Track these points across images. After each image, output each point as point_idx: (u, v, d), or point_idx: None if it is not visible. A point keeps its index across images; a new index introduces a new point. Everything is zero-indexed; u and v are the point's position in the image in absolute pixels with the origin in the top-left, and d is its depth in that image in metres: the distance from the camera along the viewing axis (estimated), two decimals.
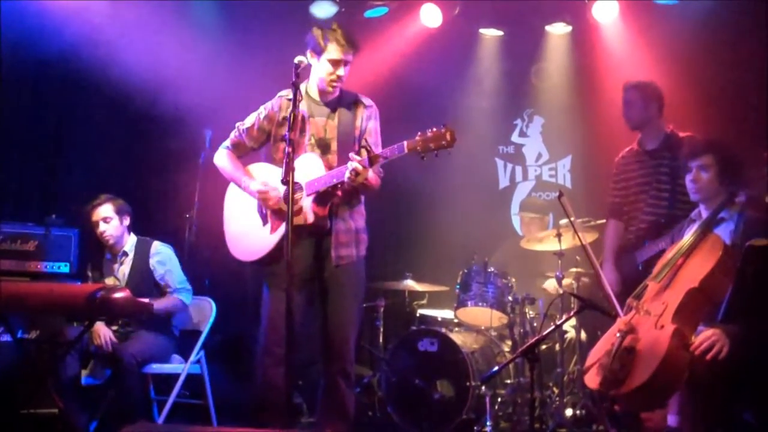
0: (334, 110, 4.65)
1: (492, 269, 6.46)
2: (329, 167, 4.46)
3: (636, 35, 7.28)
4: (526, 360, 4.26)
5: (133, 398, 5.34)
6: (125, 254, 5.74)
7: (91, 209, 5.69)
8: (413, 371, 6.16)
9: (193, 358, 5.65)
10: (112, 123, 7.20)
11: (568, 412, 5.93)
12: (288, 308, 3.87)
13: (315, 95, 4.68)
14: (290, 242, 3.85)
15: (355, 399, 4.80)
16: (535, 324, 6.35)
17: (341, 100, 4.68)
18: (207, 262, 6.87)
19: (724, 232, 4.24)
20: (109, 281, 5.66)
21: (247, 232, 4.68)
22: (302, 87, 4.63)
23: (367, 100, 4.73)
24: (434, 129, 4.11)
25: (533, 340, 4.30)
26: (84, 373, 5.56)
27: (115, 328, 5.53)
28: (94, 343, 5.39)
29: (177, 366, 5.68)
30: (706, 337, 3.78)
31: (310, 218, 4.41)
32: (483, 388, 5.95)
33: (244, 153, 4.87)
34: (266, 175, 4.66)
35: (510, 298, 6.38)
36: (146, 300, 5.26)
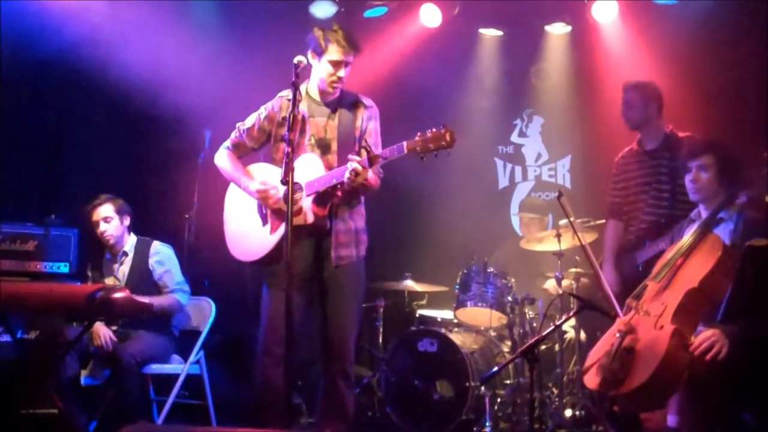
0: (334, 111, 4.65)
1: (491, 269, 6.46)
2: (329, 167, 4.46)
3: (635, 35, 7.28)
4: (525, 360, 4.26)
5: (132, 398, 5.34)
6: (125, 254, 5.74)
7: (91, 209, 5.69)
8: (413, 371, 6.16)
9: (192, 358, 5.65)
10: (111, 123, 7.20)
11: (568, 412, 5.94)
12: (287, 308, 3.86)
13: (315, 95, 4.68)
14: (290, 242, 3.85)
15: (355, 399, 4.79)
16: (534, 324, 6.35)
17: (342, 101, 4.67)
18: (206, 263, 6.87)
19: (723, 232, 4.24)
20: (109, 281, 5.66)
21: (247, 233, 4.69)
22: (303, 87, 4.64)
23: (367, 101, 4.73)
24: (434, 129, 4.11)
25: (533, 340, 4.30)
26: (84, 373, 5.56)
27: (114, 328, 5.54)
28: (94, 344, 5.39)
29: (176, 366, 5.68)
30: (705, 337, 3.78)
31: (310, 218, 4.41)
32: (482, 388, 5.95)
33: (244, 153, 4.87)
34: (266, 176, 4.66)
35: (509, 298, 6.38)
36: (146, 300, 5.27)
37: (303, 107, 4.60)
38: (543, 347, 6.16)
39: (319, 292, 4.61)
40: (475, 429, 5.93)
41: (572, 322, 6.19)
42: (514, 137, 8.33)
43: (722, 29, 6.84)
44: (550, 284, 6.53)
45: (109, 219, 5.68)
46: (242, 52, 7.08)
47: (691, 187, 4.43)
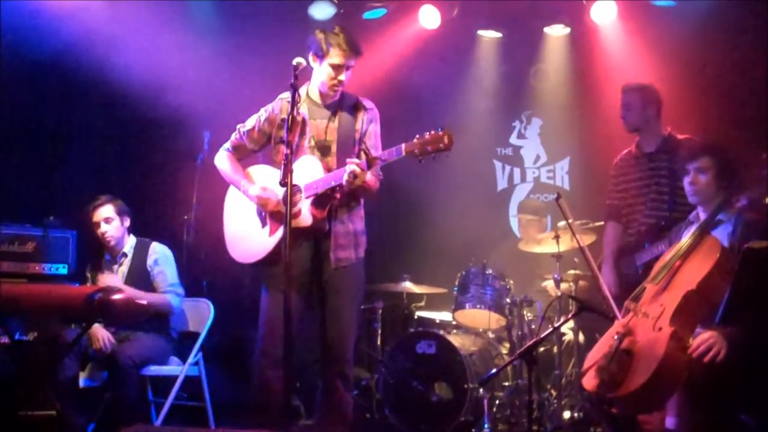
0: (334, 113, 4.64)
1: (490, 271, 6.46)
2: (328, 170, 4.46)
3: (634, 37, 7.28)
4: (524, 362, 4.27)
5: (130, 400, 5.33)
6: (124, 255, 5.74)
7: (92, 210, 5.69)
8: (411, 373, 6.16)
9: (191, 359, 5.64)
10: (110, 124, 7.20)
11: (566, 414, 5.94)
12: (286, 310, 3.86)
13: (316, 98, 4.68)
14: (288, 244, 3.85)
15: (353, 401, 4.80)
16: (533, 326, 6.35)
17: (342, 103, 4.67)
18: (205, 264, 6.87)
19: (722, 234, 4.24)
20: (103, 277, 5.61)
21: (246, 234, 4.69)
22: (303, 89, 4.65)
23: (368, 103, 4.73)
24: (432, 132, 4.11)
25: (531, 342, 4.31)
26: (82, 375, 5.56)
27: (113, 329, 5.53)
28: (92, 346, 5.38)
29: (175, 368, 5.67)
30: (703, 339, 3.78)
31: (309, 221, 4.41)
32: (481, 390, 5.95)
33: (244, 155, 4.87)
34: (266, 178, 4.66)
35: (508, 300, 6.38)
36: (144, 302, 5.26)
37: (303, 109, 4.60)
38: (541, 349, 6.16)
39: (318, 293, 4.61)
40: (473, 431, 5.94)
41: (571, 324, 6.19)
42: (513, 139, 8.34)
43: (721, 31, 6.84)
44: (549, 285, 6.52)
45: (109, 220, 5.68)
46: (241, 53, 7.08)
47: (690, 190, 4.44)
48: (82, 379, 5.55)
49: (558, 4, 7.55)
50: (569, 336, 6.30)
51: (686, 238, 4.24)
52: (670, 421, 3.89)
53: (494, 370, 5.04)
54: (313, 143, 4.60)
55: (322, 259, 4.56)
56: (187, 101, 6.65)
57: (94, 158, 7.08)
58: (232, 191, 4.85)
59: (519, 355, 4.32)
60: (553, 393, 6.09)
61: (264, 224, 4.61)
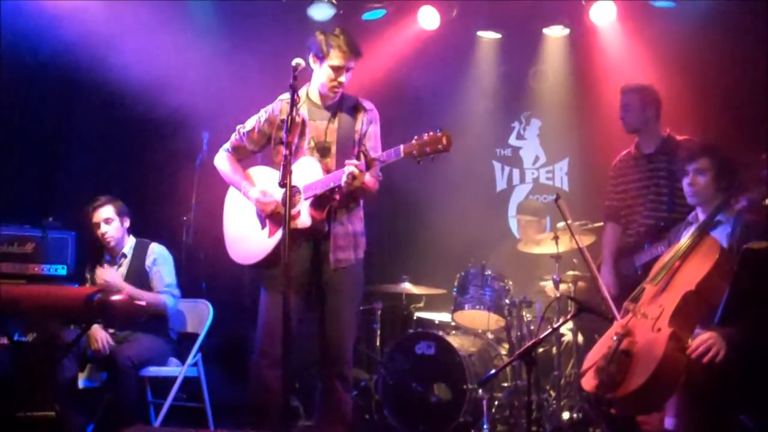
0: (334, 114, 4.64)
1: (489, 272, 6.46)
2: (327, 171, 4.46)
3: (633, 38, 7.29)
4: (523, 363, 4.27)
5: (129, 401, 5.33)
6: (124, 256, 5.74)
7: (92, 210, 5.69)
8: (410, 374, 6.16)
9: (190, 360, 5.64)
10: (109, 125, 7.20)
11: (565, 415, 5.94)
12: (285, 311, 3.86)
13: (316, 99, 4.68)
14: (287, 246, 3.85)
15: (352, 402, 4.80)
16: (532, 327, 6.35)
17: (342, 104, 4.67)
18: (204, 265, 6.87)
19: (720, 235, 4.24)
20: (101, 273, 5.60)
21: (246, 236, 4.69)
22: (303, 90, 4.66)
23: (367, 104, 4.73)
24: (430, 133, 4.11)
25: (530, 343, 4.30)
26: (81, 376, 5.56)
27: (112, 330, 5.53)
28: (91, 348, 5.38)
29: (174, 369, 5.67)
30: (702, 340, 3.78)
31: (308, 222, 4.41)
32: (480, 391, 5.95)
33: (244, 156, 4.87)
34: (265, 179, 4.66)
35: (507, 301, 6.38)
36: (143, 303, 5.26)
37: (303, 110, 4.61)
38: (540, 350, 6.17)
39: (317, 295, 4.61)
40: (472, 431, 5.94)
41: (570, 324, 6.19)
42: (512, 140, 8.34)
43: (720, 31, 6.84)
44: (548, 286, 6.53)
45: (110, 220, 5.68)
46: (240, 54, 7.09)
47: (689, 191, 4.44)
48: (81, 380, 5.55)
49: (557, 5, 7.56)
50: (568, 337, 6.30)
51: (685, 239, 4.25)
52: (669, 422, 3.89)
53: (493, 371, 5.03)
54: (312, 144, 4.60)
55: (322, 260, 4.56)
56: (187, 102, 6.66)
57: (93, 159, 7.08)
58: (231, 192, 4.85)
59: (518, 355, 4.32)
60: (552, 394, 6.10)
61: (263, 225, 4.62)
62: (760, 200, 4.29)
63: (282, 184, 3.95)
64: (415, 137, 4.13)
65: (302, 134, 4.59)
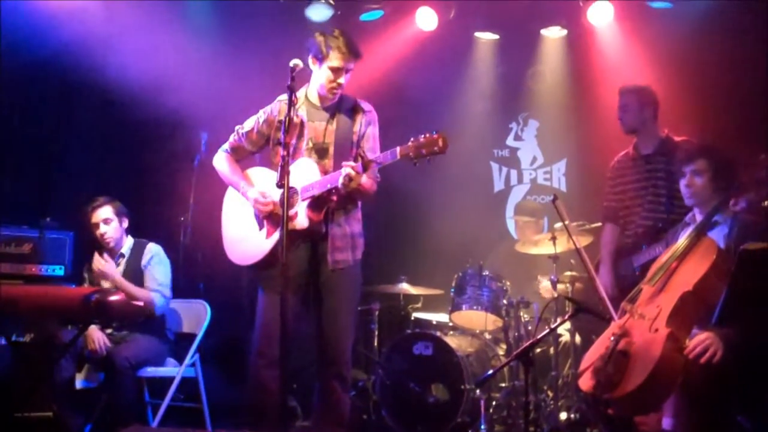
0: (333, 115, 4.65)
1: (487, 273, 6.46)
2: (325, 172, 4.46)
3: (631, 38, 7.29)
4: (520, 363, 4.28)
5: (126, 402, 5.34)
6: (122, 256, 5.75)
7: (90, 211, 5.70)
8: (408, 375, 6.16)
9: (187, 361, 5.64)
10: (107, 125, 7.20)
11: (563, 415, 5.94)
12: (282, 312, 3.86)
13: (315, 100, 4.68)
14: (285, 247, 3.85)
15: (350, 402, 4.79)
16: (529, 327, 6.35)
17: (340, 106, 4.67)
18: (202, 265, 6.87)
19: (718, 235, 4.25)
20: (105, 284, 5.64)
21: (244, 237, 4.69)
22: (302, 91, 4.66)
23: (366, 106, 4.73)
24: (427, 135, 4.10)
25: (528, 343, 4.31)
26: (79, 376, 5.56)
27: (109, 331, 5.53)
28: (88, 348, 5.38)
29: (171, 369, 5.67)
30: (700, 340, 3.78)
31: (305, 223, 4.40)
32: (477, 391, 5.95)
33: (243, 156, 4.87)
34: (263, 180, 4.66)
35: (505, 301, 6.38)
36: (141, 303, 5.27)
37: (301, 111, 4.61)
38: (538, 350, 6.17)
39: (315, 295, 4.61)
40: None
41: (567, 325, 6.20)
42: (510, 140, 8.34)
43: (718, 32, 6.84)
44: (546, 287, 6.53)
45: (108, 221, 5.68)
46: (239, 55, 7.07)
47: (686, 192, 4.45)
48: (78, 381, 5.56)
49: (555, 6, 7.56)
50: (566, 337, 6.30)
51: (682, 240, 4.25)
52: (666, 422, 3.90)
53: (491, 372, 5.02)
54: (310, 145, 4.60)
55: (320, 261, 4.57)
56: (185, 102, 6.64)
57: (91, 159, 7.08)
58: (230, 193, 4.85)
59: (516, 356, 4.32)
60: (550, 394, 6.10)
61: (261, 226, 4.62)
62: (760, 201, 4.30)
63: (280, 185, 3.95)
64: (412, 139, 4.13)
65: (300, 135, 4.59)
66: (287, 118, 4.10)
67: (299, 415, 6.41)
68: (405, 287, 6.79)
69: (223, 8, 7.28)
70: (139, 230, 5.97)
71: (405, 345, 6.31)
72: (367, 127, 4.67)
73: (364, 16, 7.69)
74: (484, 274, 6.45)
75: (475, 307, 6.40)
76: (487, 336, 6.57)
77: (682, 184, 4.46)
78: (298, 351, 5.49)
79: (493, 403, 6.13)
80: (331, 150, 4.58)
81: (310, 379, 5.04)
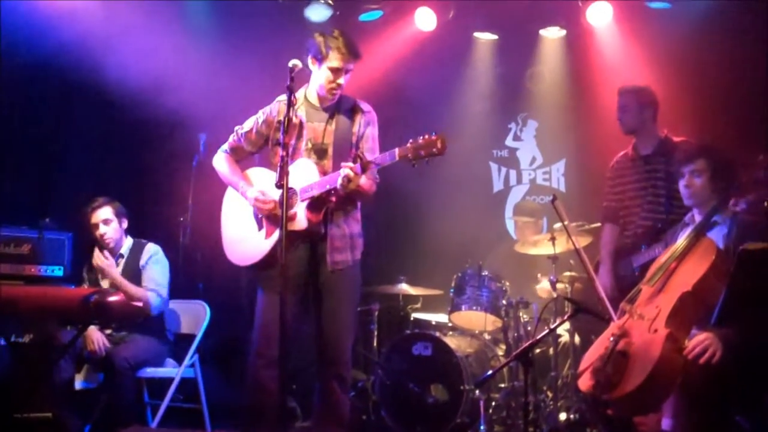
0: (332, 116, 4.64)
1: (486, 273, 6.46)
2: (324, 173, 4.46)
3: (630, 39, 7.29)
4: (520, 364, 4.29)
5: (126, 402, 5.34)
6: (121, 256, 5.74)
7: (90, 211, 5.69)
8: (407, 375, 6.16)
9: (187, 362, 5.64)
10: (106, 126, 7.19)
11: (562, 416, 5.94)
12: (282, 312, 3.86)
13: (314, 100, 4.68)
14: (284, 247, 3.85)
15: (350, 403, 4.79)
16: (529, 328, 6.35)
17: (340, 106, 4.67)
18: (201, 266, 6.87)
19: (717, 235, 4.25)
20: (104, 283, 5.63)
21: (243, 237, 4.69)
22: (301, 92, 4.66)
23: (365, 106, 4.73)
24: (426, 136, 4.10)
25: (527, 344, 4.31)
26: (78, 377, 5.56)
27: (108, 332, 5.53)
28: (87, 349, 5.38)
29: (171, 370, 5.67)
30: (699, 341, 3.79)
31: (304, 224, 4.40)
32: (477, 392, 5.95)
33: (242, 157, 4.87)
34: (263, 180, 4.66)
35: (504, 301, 6.38)
36: (140, 304, 5.27)
37: (301, 112, 4.61)
38: (537, 351, 6.16)
39: (314, 296, 4.61)
40: None
41: (567, 325, 6.20)
42: (509, 141, 8.34)
43: (717, 32, 6.84)
44: (545, 286, 6.53)
45: (108, 221, 5.68)
46: (238, 55, 7.07)
47: (685, 193, 4.45)
48: (78, 381, 5.55)
49: (554, 7, 7.56)
50: (565, 338, 6.30)
51: (682, 240, 4.25)
52: (665, 423, 3.90)
53: (490, 372, 5.02)
54: (309, 146, 4.60)
55: (319, 261, 4.57)
56: (184, 103, 6.63)
57: (90, 160, 7.08)
58: (229, 193, 4.85)
59: (515, 356, 4.32)
60: (549, 395, 6.10)
61: (260, 227, 4.62)
62: (760, 202, 4.30)
63: (279, 186, 3.95)
64: (411, 140, 4.12)
65: (299, 136, 4.59)
66: (286, 119, 4.10)
67: (299, 416, 6.41)
68: (404, 288, 6.79)
69: (222, 9, 7.28)
70: (139, 230, 5.97)
71: (404, 345, 6.31)
72: (366, 128, 4.66)
73: (363, 17, 7.69)
74: (483, 274, 6.45)
75: (474, 308, 6.40)
76: (487, 336, 6.57)
77: (681, 184, 4.46)
78: (297, 352, 5.49)
79: (493, 403, 6.12)
80: (330, 151, 4.58)
81: (309, 379, 5.03)
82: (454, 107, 7.97)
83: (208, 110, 6.62)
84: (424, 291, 6.92)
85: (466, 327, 6.61)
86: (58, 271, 5.83)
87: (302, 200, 4.41)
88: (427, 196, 7.75)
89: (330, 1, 7.37)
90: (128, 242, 5.79)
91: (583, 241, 5.96)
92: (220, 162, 4.83)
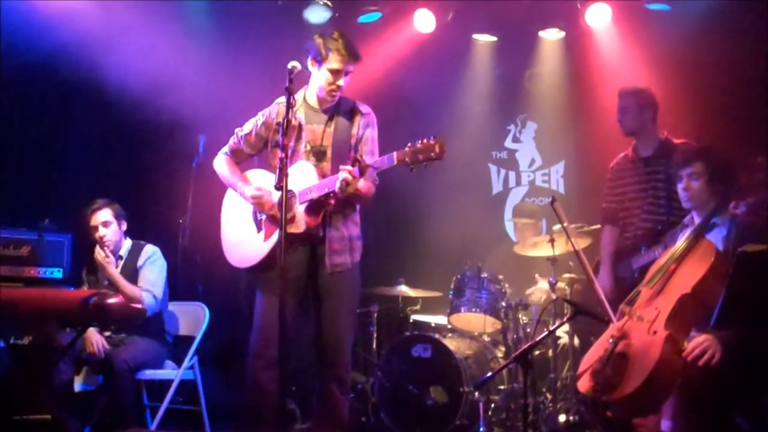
0: (331, 118, 4.64)
1: (485, 275, 6.47)
2: (323, 175, 4.46)
3: (629, 40, 7.30)
4: (519, 366, 4.28)
5: (125, 404, 5.33)
6: (120, 258, 5.73)
7: (89, 213, 5.68)
8: (407, 377, 6.16)
9: (186, 363, 5.64)
10: (105, 127, 7.19)
11: (562, 417, 5.94)
12: (281, 314, 3.86)
13: (313, 102, 4.67)
14: (283, 249, 3.85)
15: (349, 405, 4.79)
16: (528, 330, 6.35)
17: (339, 108, 4.66)
18: (200, 268, 6.86)
19: (716, 237, 4.25)
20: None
21: (242, 239, 4.69)
22: (300, 93, 4.65)
23: (364, 108, 4.72)
24: (424, 140, 4.09)
25: (526, 345, 4.31)
26: (77, 379, 5.55)
27: (108, 334, 5.53)
28: (87, 351, 5.37)
29: (170, 372, 5.67)
30: (698, 343, 3.79)
31: (303, 227, 4.41)
32: (476, 393, 5.95)
33: (242, 159, 4.87)
34: (262, 182, 4.66)
35: (503, 303, 6.38)
36: (139, 305, 5.26)
37: (300, 114, 4.61)
38: (537, 353, 6.16)
39: (313, 298, 4.61)
40: None
41: (566, 327, 6.20)
42: (508, 142, 8.35)
43: (717, 33, 6.85)
44: (544, 289, 6.53)
45: (108, 223, 5.67)
46: (237, 56, 7.07)
47: (683, 195, 4.45)
48: (77, 384, 5.54)
49: (553, 8, 7.57)
50: (564, 339, 6.31)
51: (681, 242, 4.26)
52: (665, 425, 3.90)
53: (489, 374, 5.03)
54: (308, 148, 4.60)
55: (318, 264, 4.56)
56: (184, 103, 6.63)
57: (90, 161, 7.07)
58: (229, 195, 4.85)
59: (514, 358, 4.32)
60: (549, 396, 6.10)
61: (259, 229, 4.62)
62: (761, 204, 4.29)
63: (278, 187, 3.95)
64: (409, 144, 4.11)
65: (299, 138, 4.59)
66: (285, 121, 4.09)
67: (298, 418, 6.41)
68: (403, 289, 6.79)
69: (221, 10, 7.28)
70: (138, 232, 5.97)
71: (404, 347, 6.31)
72: (365, 130, 4.66)
73: (362, 18, 7.69)
74: (482, 276, 6.45)
75: (473, 310, 6.40)
76: (486, 338, 6.57)
77: (680, 187, 4.47)
78: (296, 353, 5.49)
79: (492, 405, 6.12)
80: (329, 153, 4.58)
81: (309, 381, 5.04)
82: (453, 109, 7.98)
83: (207, 111, 6.62)
84: (423, 293, 6.92)
85: (466, 329, 6.61)
86: (57, 273, 5.83)
87: (301, 203, 4.41)
88: (426, 197, 7.75)
89: (329, 3, 7.37)
90: (127, 244, 5.79)
91: (582, 243, 5.96)
92: (221, 164, 4.83)
